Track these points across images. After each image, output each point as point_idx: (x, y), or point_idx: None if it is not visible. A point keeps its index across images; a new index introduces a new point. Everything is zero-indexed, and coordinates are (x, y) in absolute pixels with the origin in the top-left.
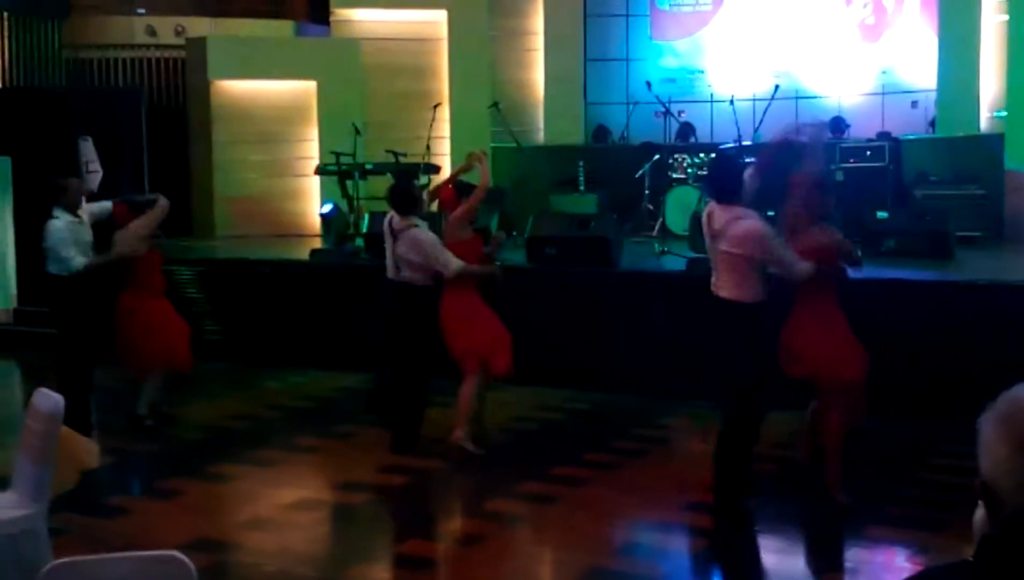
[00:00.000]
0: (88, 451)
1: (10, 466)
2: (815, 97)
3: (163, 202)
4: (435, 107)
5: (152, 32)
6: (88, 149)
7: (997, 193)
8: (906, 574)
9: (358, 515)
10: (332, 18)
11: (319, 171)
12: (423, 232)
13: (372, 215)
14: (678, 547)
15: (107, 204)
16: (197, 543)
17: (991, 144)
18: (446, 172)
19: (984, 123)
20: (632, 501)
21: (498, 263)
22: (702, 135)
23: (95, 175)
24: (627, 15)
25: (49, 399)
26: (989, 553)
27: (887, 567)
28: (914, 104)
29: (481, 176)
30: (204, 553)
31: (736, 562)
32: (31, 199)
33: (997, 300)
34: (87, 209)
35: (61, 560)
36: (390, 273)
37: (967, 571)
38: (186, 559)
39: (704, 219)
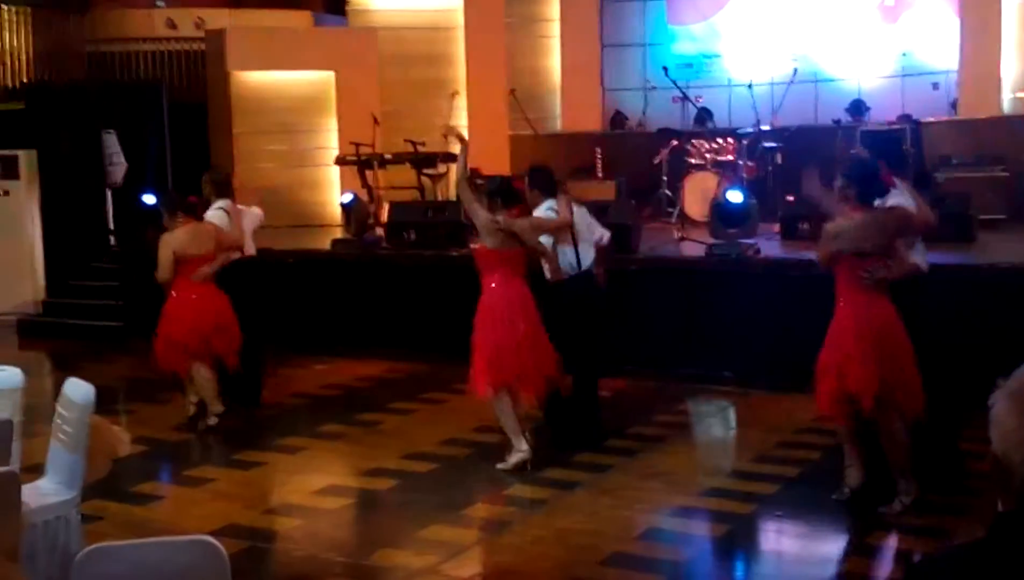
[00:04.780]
0: (119, 439)
1: (44, 454)
2: (834, 80)
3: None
4: (452, 95)
5: (172, 25)
6: (112, 142)
7: (1020, 175)
8: None
9: (384, 501)
10: (349, 8)
11: (339, 161)
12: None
13: (392, 204)
14: (700, 532)
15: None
16: (227, 529)
17: (1014, 125)
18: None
19: (1007, 104)
20: (654, 486)
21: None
22: (720, 120)
23: (119, 167)
24: (643, 0)
25: (80, 388)
26: (1003, 531)
27: (910, 552)
28: (935, 86)
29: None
30: (234, 539)
31: (758, 547)
32: (57, 192)
33: (1021, 283)
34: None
35: (96, 545)
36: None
37: (980, 550)
38: (218, 544)
39: None
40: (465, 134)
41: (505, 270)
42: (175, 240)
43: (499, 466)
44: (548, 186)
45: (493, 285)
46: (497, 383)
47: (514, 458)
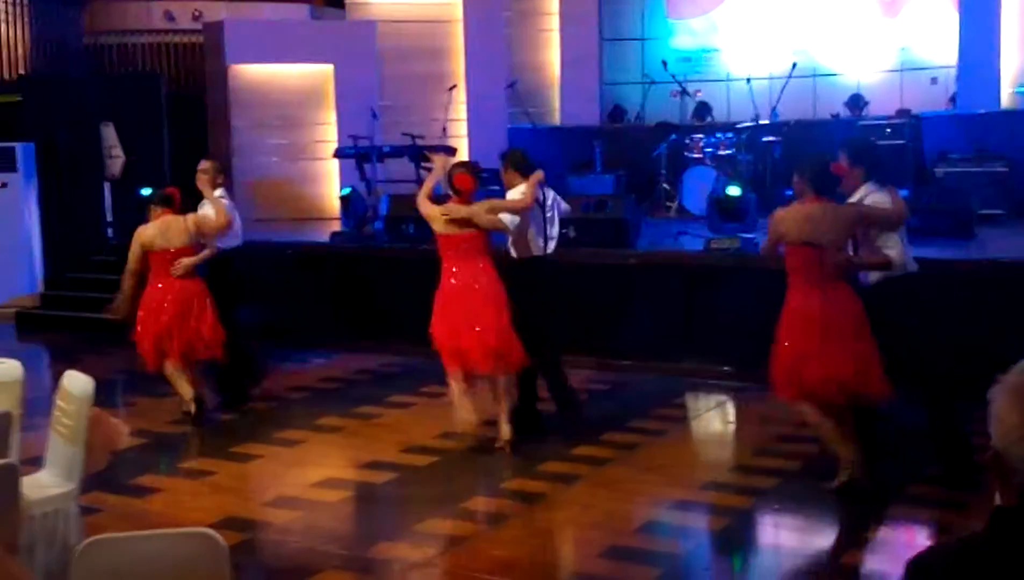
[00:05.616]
0: (118, 432)
1: (43, 447)
2: (833, 75)
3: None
4: (451, 89)
5: (170, 17)
6: (110, 135)
7: (1020, 170)
8: None
9: (383, 494)
10: (347, 1)
11: (337, 154)
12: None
13: (390, 197)
14: (698, 525)
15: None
16: (226, 521)
17: (1013, 120)
18: (462, 154)
19: (1006, 99)
20: (652, 480)
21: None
22: (718, 114)
23: (117, 160)
24: None
25: (79, 381)
26: (1002, 525)
27: (909, 546)
28: (934, 81)
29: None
30: (233, 531)
31: (757, 540)
32: (55, 184)
33: (1020, 278)
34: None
35: (96, 537)
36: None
37: (979, 545)
38: (217, 536)
39: None
40: (464, 129)
41: (462, 253)
42: (143, 234)
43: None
44: (523, 167)
45: (453, 269)
46: (455, 366)
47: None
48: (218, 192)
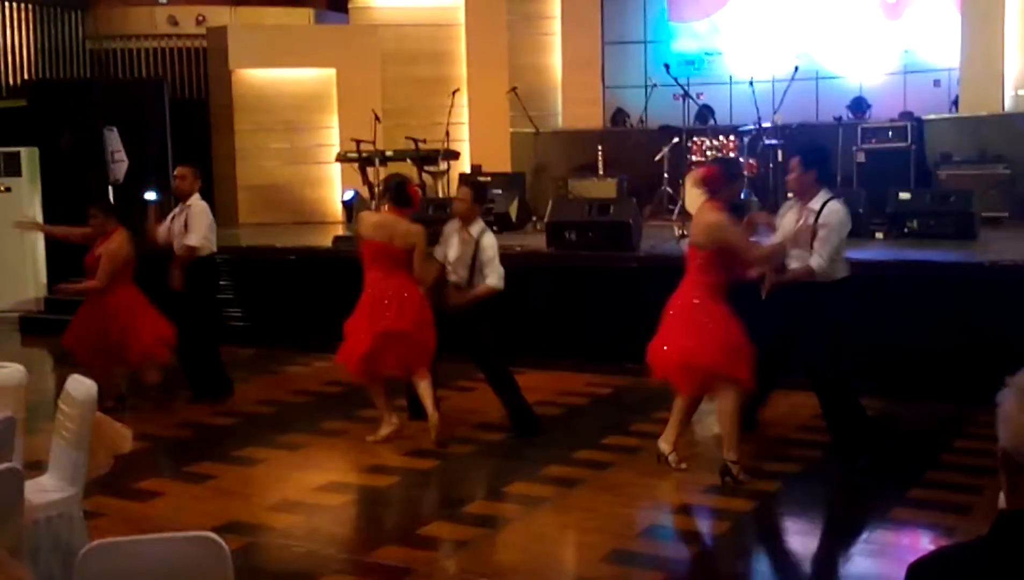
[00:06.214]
0: (121, 436)
1: (46, 451)
2: (835, 78)
3: None
4: (453, 93)
5: (174, 22)
6: (114, 139)
7: (1022, 172)
8: None
9: (385, 497)
10: (350, 5)
11: (340, 158)
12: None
13: None
14: (701, 529)
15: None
16: (228, 525)
17: (1016, 123)
18: (464, 158)
19: (1008, 102)
20: (655, 483)
21: None
22: (721, 117)
23: (121, 164)
24: None
25: (82, 385)
26: (1006, 529)
27: (912, 549)
28: (937, 83)
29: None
30: (235, 535)
31: (760, 544)
32: (59, 188)
33: (1023, 281)
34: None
35: (99, 541)
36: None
37: (984, 548)
38: (220, 540)
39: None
40: (466, 133)
41: (382, 264)
42: (121, 255)
43: (368, 438)
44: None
45: (372, 277)
46: (366, 371)
47: (383, 430)
48: (194, 197)
